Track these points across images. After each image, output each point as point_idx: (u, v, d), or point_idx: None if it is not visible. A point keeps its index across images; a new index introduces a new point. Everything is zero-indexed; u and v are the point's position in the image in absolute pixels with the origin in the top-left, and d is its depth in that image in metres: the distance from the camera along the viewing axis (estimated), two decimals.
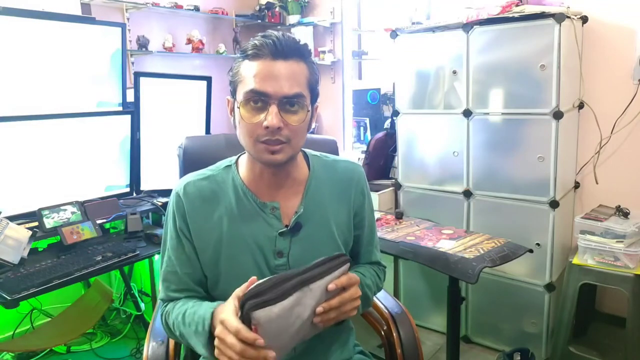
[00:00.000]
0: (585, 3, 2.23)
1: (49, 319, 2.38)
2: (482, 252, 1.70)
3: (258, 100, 0.92)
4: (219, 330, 0.84)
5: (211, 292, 1.05)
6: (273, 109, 0.91)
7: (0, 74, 2.07)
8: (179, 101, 2.49)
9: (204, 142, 1.49)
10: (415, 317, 1.34)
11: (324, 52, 3.49)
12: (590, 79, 2.29)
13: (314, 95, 0.99)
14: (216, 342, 0.84)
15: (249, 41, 0.96)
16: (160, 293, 1.08)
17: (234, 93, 0.97)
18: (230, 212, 1.02)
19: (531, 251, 1.77)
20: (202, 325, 0.91)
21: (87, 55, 2.33)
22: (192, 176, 1.06)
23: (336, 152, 1.41)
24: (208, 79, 2.56)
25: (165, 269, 1.05)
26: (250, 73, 0.92)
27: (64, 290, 1.82)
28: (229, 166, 1.07)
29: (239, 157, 1.09)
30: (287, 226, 1.03)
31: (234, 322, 0.81)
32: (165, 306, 1.06)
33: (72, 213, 1.98)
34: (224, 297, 1.00)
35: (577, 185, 2.40)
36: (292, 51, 0.93)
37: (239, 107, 0.94)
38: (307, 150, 1.12)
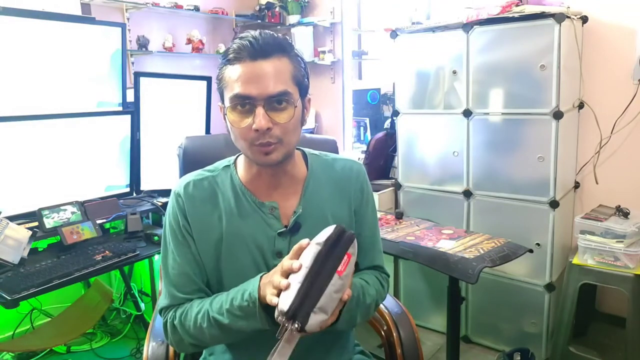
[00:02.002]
0: (585, 3, 2.23)
1: (49, 319, 2.38)
2: (482, 252, 1.70)
3: (244, 104, 0.92)
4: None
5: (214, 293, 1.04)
6: (259, 110, 0.90)
7: (1, 74, 2.07)
8: (179, 101, 2.49)
9: (204, 142, 1.49)
10: (415, 317, 1.34)
11: (324, 52, 3.49)
12: (590, 79, 2.29)
13: (303, 89, 0.98)
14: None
15: (229, 45, 0.95)
16: (167, 299, 1.02)
17: (222, 98, 0.97)
18: (230, 212, 1.02)
19: (531, 251, 1.77)
20: (243, 293, 0.90)
21: (87, 55, 2.33)
22: (191, 176, 1.06)
23: (336, 152, 1.41)
24: (208, 79, 2.56)
25: (170, 272, 1.02)
26: (233, 77, 0.92)
27: (64, 290, 1.82)
28: (227, 166, 1.07)
29: (237, 157, 1.08)
30: (286, 226, 1.03)
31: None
32: (175, 310, 1.00)
33: (72, 213, 1.98)
34: None
35: (577, 185, 2.40)
36: (271, 48, 0.92)
37: (226, 114, 0.94)
38: (306, 150, 1.12)
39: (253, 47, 0.91)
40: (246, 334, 0.94)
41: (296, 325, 0.80)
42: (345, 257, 0.84)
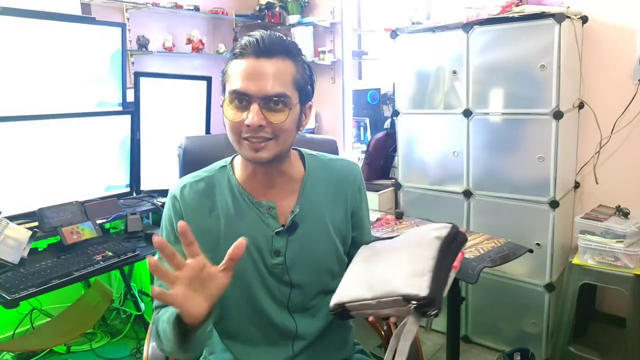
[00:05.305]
0: (585, 3, 2.23)
1: (49, 319, 2.38)
2: (482, 252, 1.70)
3: (241, 99, 0.93)
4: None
5: None
6: (254, 107, 0.91)
7: (0, 74, 2.07)
8: (179, 101, 2.48)
9: (204, 142, 1.49)
10: None
11: (324, 52, 3.49)
12: (590, 79, 2.29)
13: (304, 95, 0.98)
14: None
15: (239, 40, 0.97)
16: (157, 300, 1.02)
17: (223, 91, 0.98)
18: (227, 213, 1.02)
19: (531, 251, 1.77)
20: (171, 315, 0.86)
21: (87, 55, 2.33)
22: (188, 178, 1.06)
23: (336, 152, 1.40)
24: (208, 79, 2.56)
25: None
26: (235, 72, 0.94)
27: (64, 290, 1.81)
28: (224, 167, 1.07)
29: (233, 157, 1.09)
30: (283, 225, 1.03)
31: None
32: (158, 312, 1.00)
33: (72, 213, 1.98)
34: (224, 300, 1.00)
35: (577, 185, 2.40)
36: (276, 49, 0.93)
37: (221, 106, 0.96)
38: (304, 150, 1.12)
39: (258, 45, 0.92)
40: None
41: (435, 311, 0.81)
42: (460, 254, 0.90)
